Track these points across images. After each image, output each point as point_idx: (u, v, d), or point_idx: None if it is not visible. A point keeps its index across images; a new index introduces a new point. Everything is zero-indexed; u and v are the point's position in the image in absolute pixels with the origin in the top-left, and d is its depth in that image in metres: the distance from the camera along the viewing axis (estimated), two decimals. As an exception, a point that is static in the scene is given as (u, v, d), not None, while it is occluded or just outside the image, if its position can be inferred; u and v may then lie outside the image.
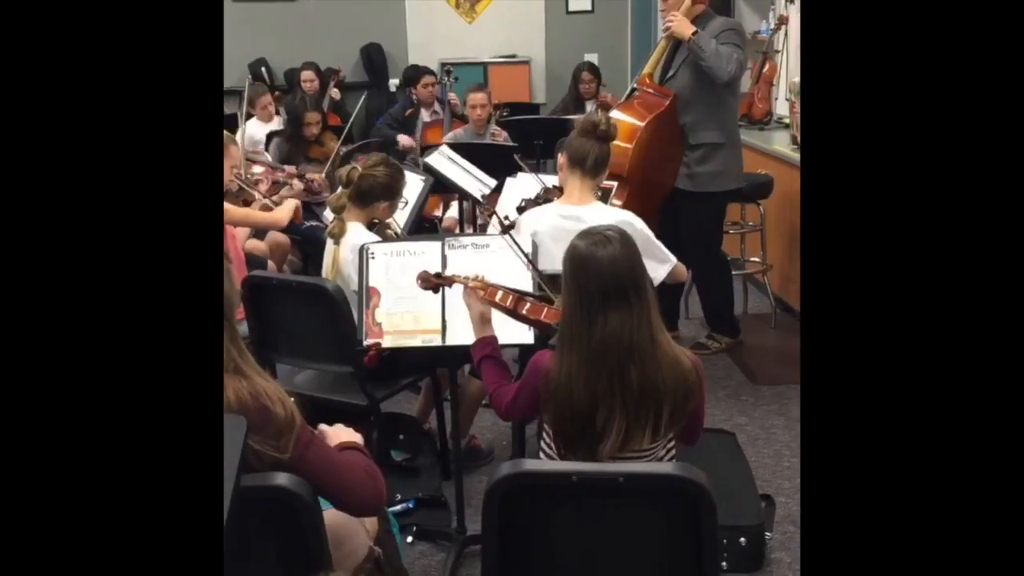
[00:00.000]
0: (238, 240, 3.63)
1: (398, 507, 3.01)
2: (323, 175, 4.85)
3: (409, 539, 2.94)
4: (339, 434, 1.92)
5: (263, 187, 4.12)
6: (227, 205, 3.51)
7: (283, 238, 4.63)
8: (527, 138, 5.28)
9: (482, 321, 2.38)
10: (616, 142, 3.23)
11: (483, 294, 2.37)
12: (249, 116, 6.11)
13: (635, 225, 2.92)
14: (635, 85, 4.18)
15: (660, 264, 3.03)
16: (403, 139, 6.15)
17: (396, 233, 3.36)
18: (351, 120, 5.62)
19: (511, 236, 2.59)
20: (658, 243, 3.06)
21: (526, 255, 2.60)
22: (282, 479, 1.61)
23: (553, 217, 2.98)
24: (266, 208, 3.82)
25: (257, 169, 4.50)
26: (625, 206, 3.65)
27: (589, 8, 8.56)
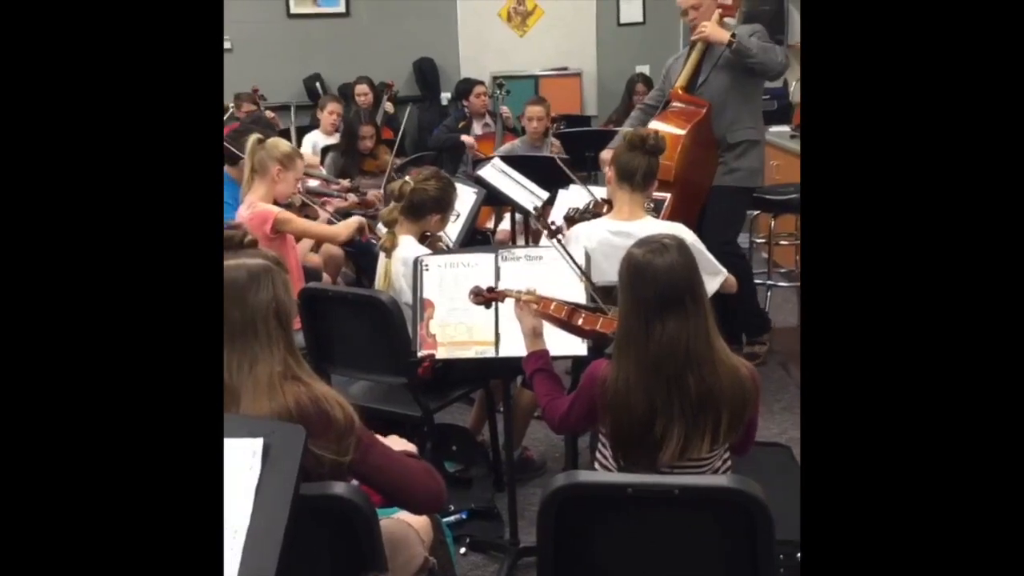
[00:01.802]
0: (297, 251, 3.68)
1: (451, 518, 3.02)
2: (380, 190, 4.90)
3: (462, 550, 2.95)
4: (393, 445, 1.94)
5: (330, 207, 4.18)
6: (290, 216, 3.57)
7: (337, 251, 4.68)
8: (579, 150, 5.28)
9: (534, 335, 2.39)
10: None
11: (536, 307, 2.37)
12: (311, 128, 6.21)
13: (687, 239, 2.90)
14: (668, 97, 4.24)
15: (712, 276, 3.00)
16: (466, 138, 6.19)
17: (447, 246, 3.38)
18: (400, 132, 5.67)
19: (560, 243, 2.60)
20: (709, 255, 3.04)
21: (575, 262, 2.60)
22: (340, 488, 1.63)
23: (603, 233, 2.97)
24: (329, 224, 3.87)
25: (313, 183, 4.56)
26: (671, 212, 3.66)
27: (640, 20, 8.54)
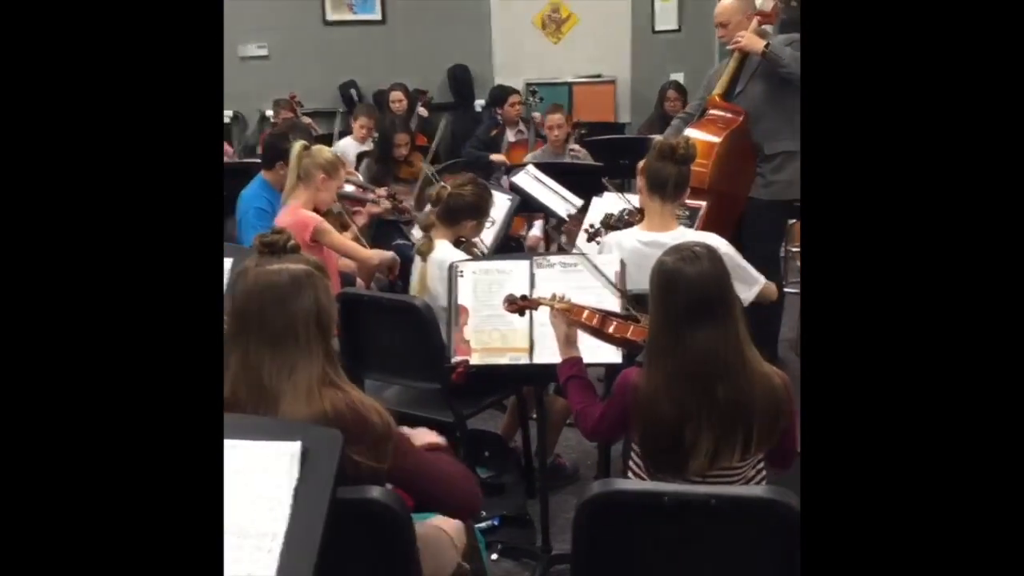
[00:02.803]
0: (335, 257, 3.70)
1: (483, 524, 3.03)
2: (414, 196, 4.93)
3: (494, 556, 2.95)
4: (423, 435, 1.95)
5: (360, 220, 4.21)
6: (329, 227, 3.60)
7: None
8: (612, 157, 5.28)
9: (567, 342, 2.39)
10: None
11: (569, 315, 2.38)
12: (344, 135, 6.26)
13: (721, 249, 2.89)
14: (705, 106, 4.22)
15: (748, 286, 2.98)
16: (495, 157, 6.21)
17: (481, 252, 3.39)
18: (436, 140, 5.70)
19: (597, 246, 2.60)
20: (745, 264, 3.02)
21: (602, 273, 2.60)
22: (376, 492, 1.64)
23: (633, 242, 2.96)
24: (357, 242, 3.89)
25: (348, 188, 4.59)
26: (704, 221, 3.65)
27: (676, 27, 8.53)
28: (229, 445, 1.52)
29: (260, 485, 1.48)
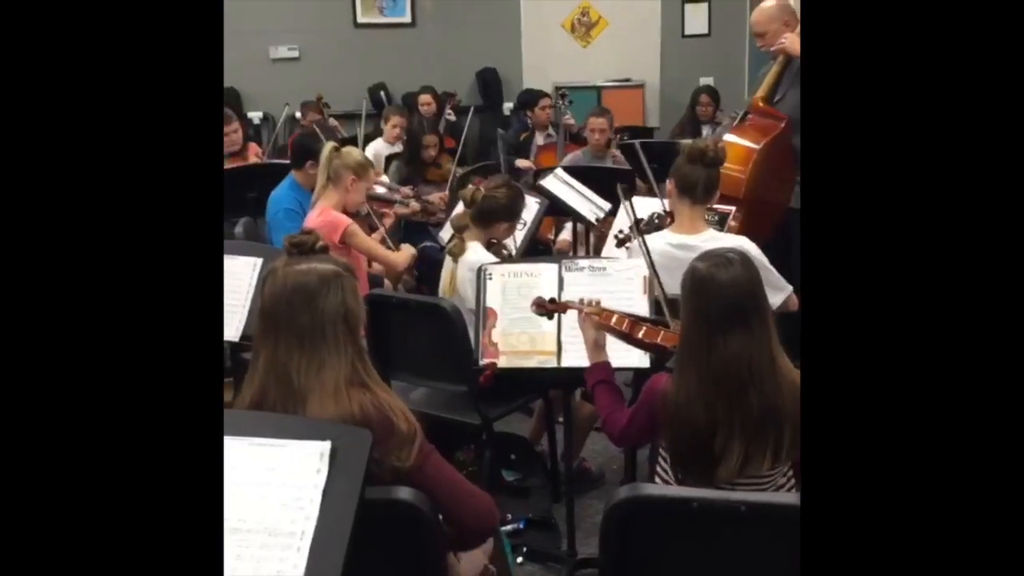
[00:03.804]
0: (363, 259, 3.72)
1: (508, 527, 3.02)
2: (444, 195, 4.94)
3: (519, 559, 2.95)
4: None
5: (388, 222, 4.23)
6: (357, 230, 3.62)
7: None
8: (641, 162, 5.25)
9: (596, 347, 2.38)
10: (731, 165, 3.18)
11: (598, 319, 2.36)
12: (370, 138, 6.28)
13: (751, 252, 2.87)
14: (747, 109, 4.14)
15: (775, 292, 2.96)
16: (521, 162, 6.20)
17: (510, 254, 3.40)
18: (462, 141, 5.71)
19: (642, 239, 2.60)
20: (773, 270, 3.00)
21: (652, 264, 2.59)
22: (404, 493, 1.64)
23: (663, 246, 2.95)
24: (383, 243, 3.91)
25: (380, 190, 4.61)
26: (740, 228, 3.60)
27: (706, 31, 8.50)
28: (258, 443, 1.54)
29: (289, 484, 1.49)
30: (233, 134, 5.49)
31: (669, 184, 3.07)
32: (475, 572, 1.94)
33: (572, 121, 6.23)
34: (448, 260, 3.21)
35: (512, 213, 3.27)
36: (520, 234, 3.71)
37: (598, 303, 2.41)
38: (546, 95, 6.56)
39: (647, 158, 5.26)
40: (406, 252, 3.83)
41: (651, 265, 2.63)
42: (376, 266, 4.51)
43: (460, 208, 3.40)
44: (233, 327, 2.90)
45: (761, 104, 4.08)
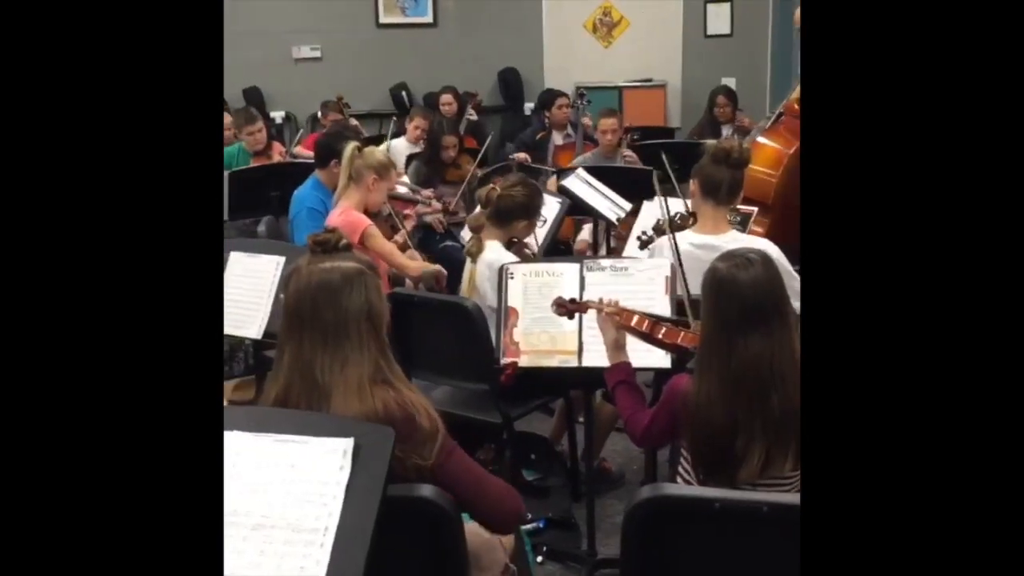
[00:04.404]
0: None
1: (529, 526, 3.02)
2: (458, 196, 4.94)
3: (539, 559, 2.95)
4: None
5: (409, 223, 4.24)
6: (375, 231, 3.63)
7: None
8: (661, 162, 5.24)
9: (616, 347, 2.37)
10: (762, 168, 3.16)
11: (618, 319, 2.36)
12: (397, 135, 6.30)
13: (772, 255, 2.86)
14: (781, 110, 4.09)
15: (795, 295, 2.94)
16: (517, 156, 6.16)
17: (533, 253, 3.40)
18: (487, 143, 5.71)
19: (672, 236, 2.59)
20: (797, 277, 2.99)
21: (680, 263, 2.58)
22: (426, 491, 1.65)
23: (685, 246, 2.94)
24: (404, 247, 3.91)
25: (402, 190, 4.62)
26: (768, 233, 3.57)
27: (728, 32, 8.47)
28: (282, 440, 1.55)
29: (313, 481, 1.50)
30: (257, 133, 5.53)
31: (693, 184, 3.05)
32: (496, 571, 1.95)
33: (589, 121, 6.22)
34: (468, 260, 3.22)
35: (529, 211, 3.26)
36: (542, 231, 3.71)
37: (618, 303, 2.41)
38: (563, 94, 6.56)
39: (669, 159, 5.25)
40: (426, 265, 3.81)
41: (679, 263, 2.62)
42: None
43: (477, 208, 3.40)
44: (256, 325, 2.92)
45: (797, 106, 4.02)
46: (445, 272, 3.71)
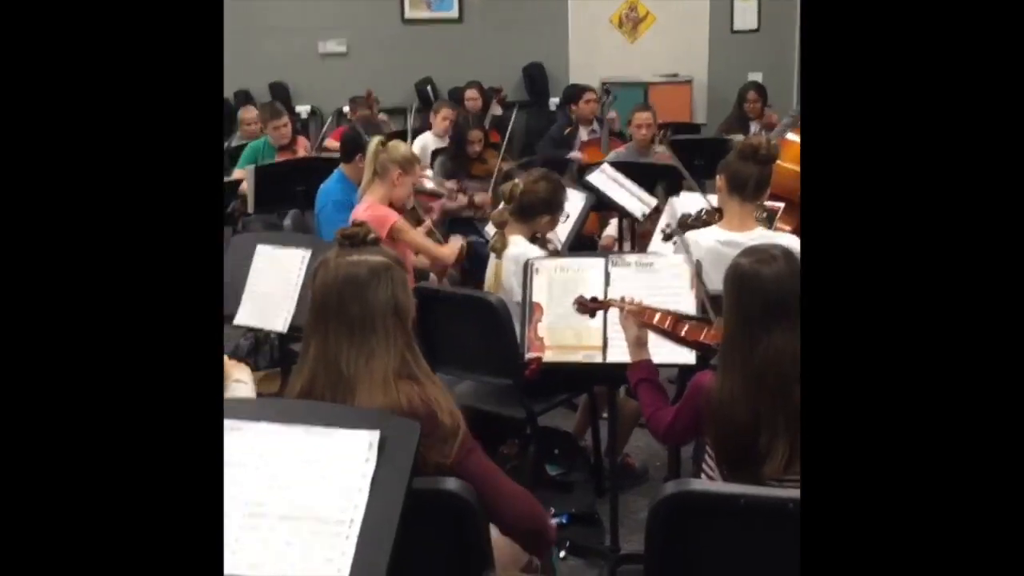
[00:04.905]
0: (410, 253, 3.74)
1: (552, 521, 3.02)
2: (488, 193, 4.95)
3: (562, 554, 2.95)
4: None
5: (435, 216, 4.25)
6: (406, 225, 3.64)
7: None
8: (688, 158, 5.22)
9: (638, 344, 2.37)
10: (789, 164, 3.14)
11: (640, 317, 2.35)
12: (418, 132, 6.31)
13: (797, 250, 2.84)
14: None
15: None
16: (573, 154, 6.17)
17: (556, 247, 3.39)
18: (507, 136, 5.71)
19: (673, 247, 2.58)
20: None
21: (697, 263, 2.58)
22: (451, 484, 1.65)
23: (711, 242, 2.93)
24: (431, 236, 3.93)
25: (426, 184, 4.64)
26: (795, 229, 3.55)
27: (755, 27, 8.42)
28: (308, 432, 1.56)
29: (338, 472, 1.51)
30: (283, 128, 5.57)
31: (719, 180, 3.03)
32: (518, 565, 1.95)
33: (615, 116, 6.19)
34: (492, 256, 3.22)
35: (552, 206, 3.26)
36: (566, 226, 3.70)
37: (640, 302, 2.40)
38: (590, 89, 6.54)
39: (693, 154, 5.23)
40: (454, 244, 3.84)
41: (694, 261, 2.62)
42: (422, 259, 4.54)
43: (500, 204, 3.40)
44: (281, 318, 2.94)
45: None
46: (465, 244, 3.72)
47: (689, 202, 3.58)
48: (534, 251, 3.10)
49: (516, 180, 3.32)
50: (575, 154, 6.15)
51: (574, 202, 3.79)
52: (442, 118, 6.05)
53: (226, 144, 6.65)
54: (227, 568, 1.46)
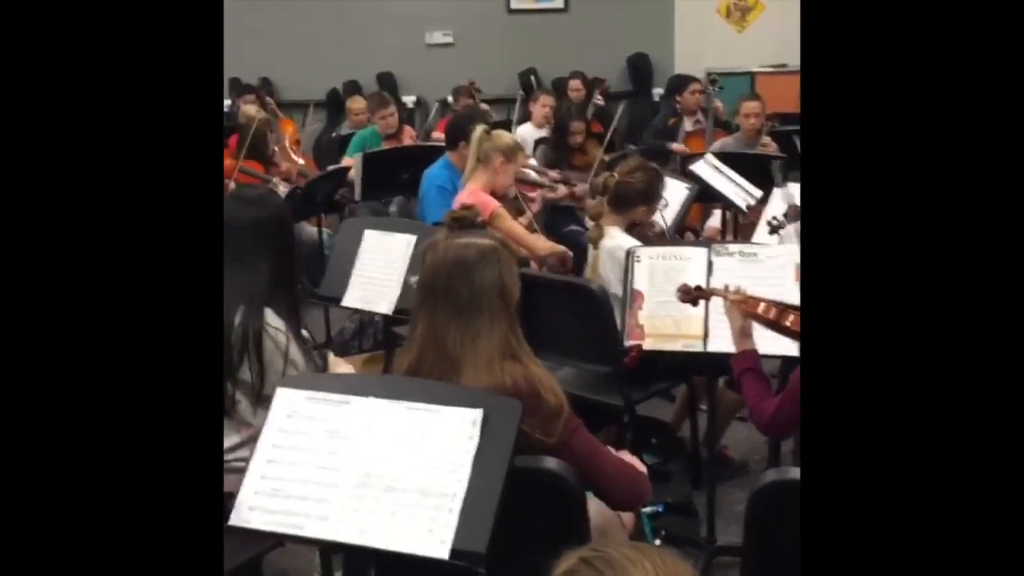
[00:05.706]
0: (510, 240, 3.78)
1: (648, 509, 3.03)
2: (588, 184, 4.95)
3: (657, 542, 2.95)
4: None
5: (535, 207, 4.28)
6: (504, 213, 3.68)
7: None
8: (796, 150, 5.14)
9: (742, 334, 2.35)
10: None
11: (744, 307, 2.33)
12: (521, 122, 6.36)
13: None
14: None
15: None
16: (675, 146, 6.13)
17: (662, 231, 3.38)
18: (612, 127, 5.69)
19: (778, 238, 2.55)
20: None
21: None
22: (551, 463, 1.68)
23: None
24: (530, 230, 3.95)
25: (529, 173, 4.67)
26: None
27: (868, 15, 8.17)
28: (414, 408, 1.61)
29: (443, 448, 1.56)
30: (390, 117, 5.68)
31: None
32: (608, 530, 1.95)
33: (721, 107, 6.11)
34: (590, 247, 3.23)
35: (648, 196, 3.25)
36: (668, 212, 3.67)
37: (744, 291, 2.38)
38: (696, 79, 6.46)
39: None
40: (553, 245, 3.84)
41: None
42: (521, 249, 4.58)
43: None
44: (387, 301, 3.02)
45: None
46: (571, 254, 3.73)
47: (799, 192, 3.52)
48: (630, 242, 3.09)
49: (612, 171, 3.32)
50: (677, 146, 6.09)
51: (677, 192, 3.77)
52: (541, 105, 6.07)
53: (335, 133, 6.82)
54: (337, 535, 1.53)
